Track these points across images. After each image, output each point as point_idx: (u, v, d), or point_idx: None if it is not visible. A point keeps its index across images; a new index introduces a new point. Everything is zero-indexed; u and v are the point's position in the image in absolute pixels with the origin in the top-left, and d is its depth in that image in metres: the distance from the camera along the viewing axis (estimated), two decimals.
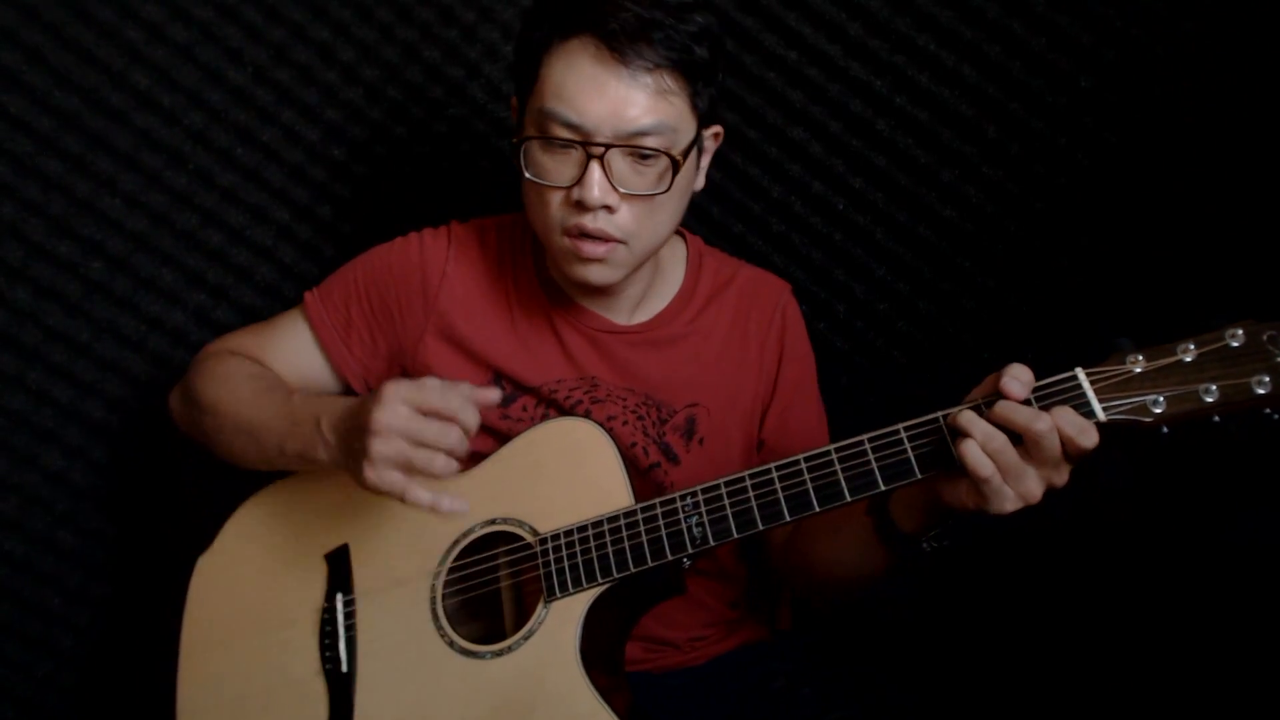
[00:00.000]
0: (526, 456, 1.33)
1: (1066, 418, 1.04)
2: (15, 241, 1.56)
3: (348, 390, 1.45)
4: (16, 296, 1.58)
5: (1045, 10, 1.69)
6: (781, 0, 1.72)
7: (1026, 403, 1.07)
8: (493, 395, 1.21)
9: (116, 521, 1.71)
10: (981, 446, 1.05)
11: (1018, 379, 1.06)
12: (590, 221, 1.23)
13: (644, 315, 1.43)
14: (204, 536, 1.43)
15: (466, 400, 1.15)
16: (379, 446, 1.13)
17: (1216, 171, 1.70)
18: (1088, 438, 1.04)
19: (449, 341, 1.40)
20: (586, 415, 1.37)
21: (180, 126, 1.62)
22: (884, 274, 1.85)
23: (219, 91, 1.63)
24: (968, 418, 1.07)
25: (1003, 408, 1.06)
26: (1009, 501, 1.07)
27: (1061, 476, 1.07)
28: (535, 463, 1.32)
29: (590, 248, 1.25)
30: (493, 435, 1.37)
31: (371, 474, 1.14)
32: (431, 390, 1.14)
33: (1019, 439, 1.05)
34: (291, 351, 1.44)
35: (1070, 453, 1.05)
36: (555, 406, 1.40)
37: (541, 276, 1.42)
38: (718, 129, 1.34)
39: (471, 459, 1.35)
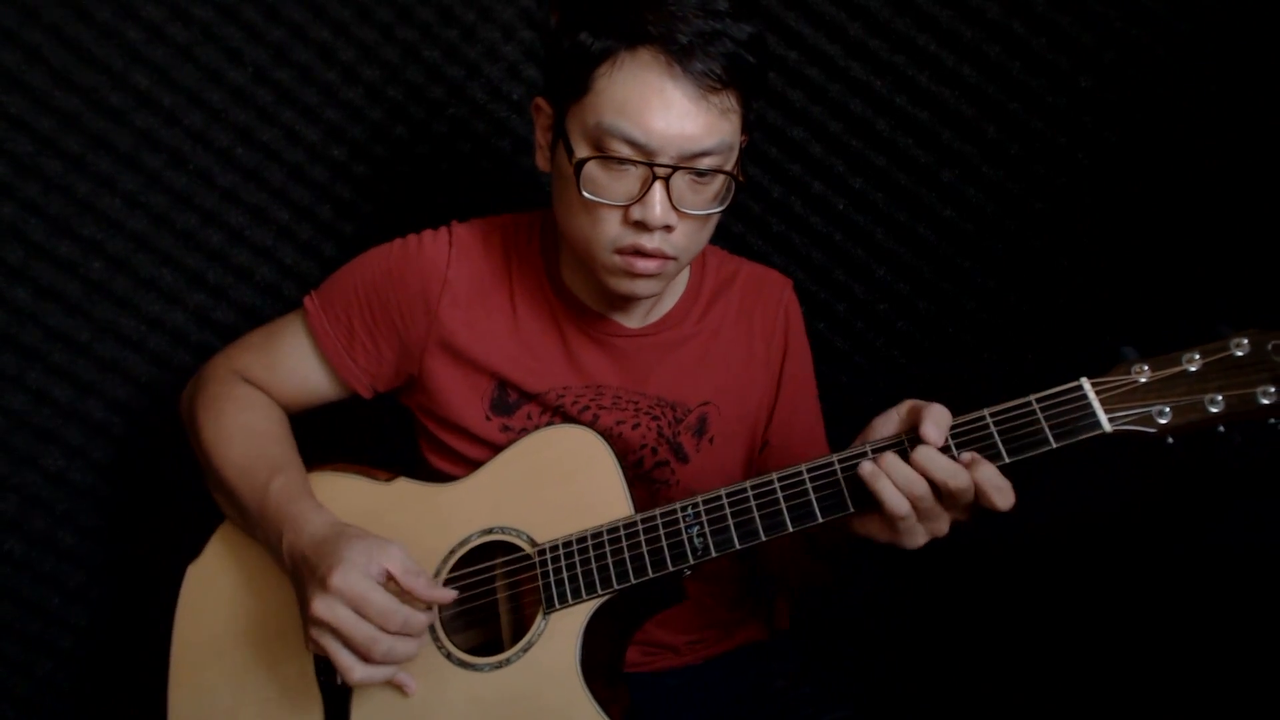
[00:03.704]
0: (524, 464, 1.31)
1: (985, 473, 1.06)
2: (15, 241, 1.56)
3: (355, 398, 1.44)
4: (16, 296, 1.57)
5: (1045, 10, 1.69)
6: (781, 0, 1.72)
7: (945, 448, 1.09)
8: (448, 595, 1.21)
9: (116, 522, 1.70)
10: (902, 491, 1.08)
11: (937, 425, 1.08)
12: (648, 241, 1.20)
13: (654, 317, 1.42)
14: (198, 542, 1.42)
15: (409, 617, 1.16)
16: (313, 633, 1.17)
17: (1217, 172, 1.70)
18: (1004, 498, 1.06)
19: (451, 352, 1.38)
20: (594, 422, 1.36)
21: (180, 126, 1.61)
22: (884, 274, 1.86)
23: (219, 91, 1.63)
24: (890, 461, 1.09)
25: (923, 457, 1.07)
26: (920, 538, 1.10)
27: (965, 515, 1.10)
28: (533, 470, 1.30)
29: (644, 264, 1.22)
30: (494, 449, 1.35)
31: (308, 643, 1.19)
32: (377, 602, 1.15)
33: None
34: (296, 367, 1.43)
35: (983, 505, 1.08)
36: (561, 414, 1.38)
37: (554, 282, 1.40)
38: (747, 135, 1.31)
39: (470, 467, 1.36)
